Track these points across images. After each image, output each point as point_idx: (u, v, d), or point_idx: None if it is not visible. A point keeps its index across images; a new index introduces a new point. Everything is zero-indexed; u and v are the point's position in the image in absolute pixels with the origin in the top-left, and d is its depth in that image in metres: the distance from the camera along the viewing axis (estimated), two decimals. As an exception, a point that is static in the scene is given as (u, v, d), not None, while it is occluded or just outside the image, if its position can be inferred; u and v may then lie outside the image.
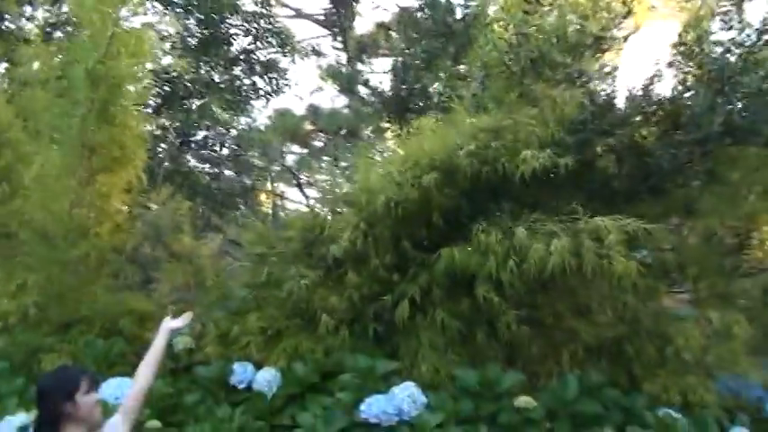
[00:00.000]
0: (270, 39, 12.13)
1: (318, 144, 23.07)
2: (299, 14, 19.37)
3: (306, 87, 23.18)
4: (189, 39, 11.25)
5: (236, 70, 12.44)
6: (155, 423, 4.63)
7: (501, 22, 6.12)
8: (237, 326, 5.50)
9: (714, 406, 5.23)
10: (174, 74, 9.70)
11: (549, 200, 5.72)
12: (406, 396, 4.74)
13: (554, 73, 5.55)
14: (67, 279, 5.41)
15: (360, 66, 18.68)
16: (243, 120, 13.30)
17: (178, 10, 10.83)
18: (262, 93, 12.52)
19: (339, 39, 19.98)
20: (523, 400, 4.83)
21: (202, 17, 11.18)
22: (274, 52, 12.54)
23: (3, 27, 9.81)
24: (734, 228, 6.25)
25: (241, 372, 5.29)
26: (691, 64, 6.03)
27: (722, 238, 6.25)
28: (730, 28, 5.87)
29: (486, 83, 5.92)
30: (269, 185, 17.65)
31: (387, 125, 10.58)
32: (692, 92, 5.85)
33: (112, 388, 4.73)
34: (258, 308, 5.63)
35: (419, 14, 10.25)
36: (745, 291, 6.13)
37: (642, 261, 5.00)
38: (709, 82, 5.79)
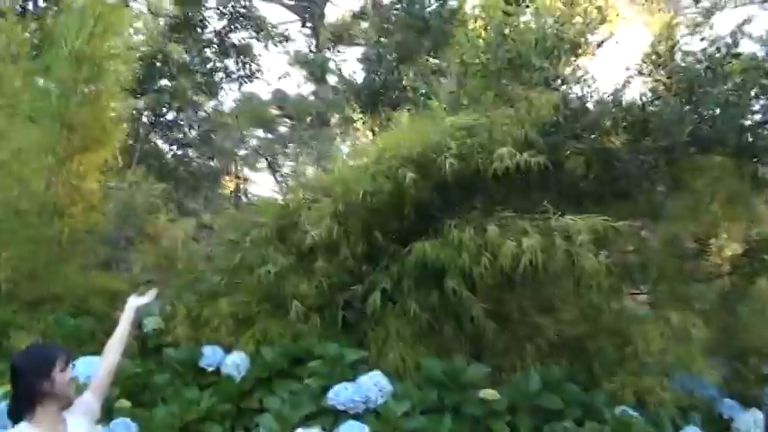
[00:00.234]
0: (244, 23, 12.08)
1: (283, 130, 23.05)
2: (268, -2, 19.17)
3: (273, 73, 23.05)
4: (161, 19, 11.19)
5: (209, 53, 12.37)
6: (124, 403, 4.64)
7: (479, 21, 6.20)
8: (208, 309, 5.54)
9: (669, 405, 5.39)
10: (146, 53, 9.64)
11: (519, 197, 5.86)
12: (372, 385, 4.82)
13: (530, 75, 5.68)
14: (40, 257, 5.38)
15: (329, 54, 18.70)
16: (212, 103, 13.27)
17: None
18: (234, 76, 12.47)
19: (309, 25, 19.95)
20: (488, 393, 4.92)
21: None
22: (249, 37, 12.47)
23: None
24: (694, 233, 6.45)
25: (210, 355, 5.33)
26: (661, 73, 6.21)
27: (683, 243, 6.44)
28: (702, 39, 6.05)
29: (463, 80, 6.01)
30: (233, 169, 17.61)
31: (358, 116, 10.63)
32: (661, 100, 6.02)
33: (82, 366, 4.72)
34: (229, 292, 5.67)
35: (395, 7, 10.30)
36: (703, 294, 6.32)
37: (606, 262, 5.13)
38: (678, 91, 5.97)
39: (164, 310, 5.47)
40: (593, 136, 5.83)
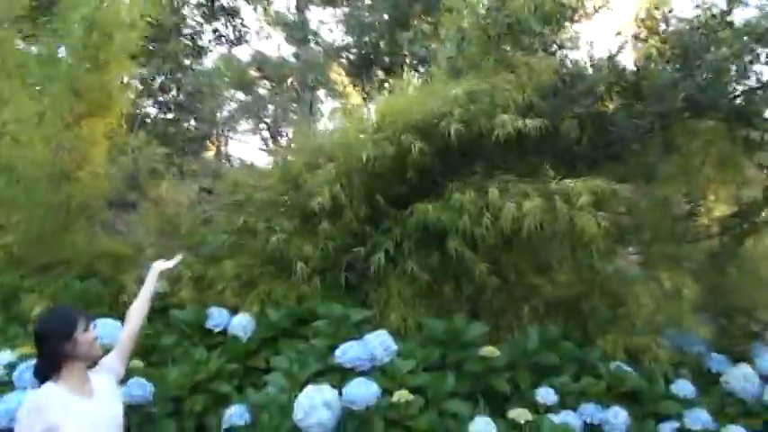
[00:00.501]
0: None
1: (263, 92, 22.97)
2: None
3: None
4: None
5: (197, 15, 12.30)
6: (137, 363, 4.75)
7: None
8: (212, 271, 5.64)
9: (662, 360, 5.59)
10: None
11: (516, 161, 5.97)
12: (378, 343, 4.95)
13: (530, 40, 5.76)
14: (47, 222, 5.44)
15: (309, 15, 18.57)
16: (198, 66, 13.21)
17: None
18: (224, 40, 12.41)
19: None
20: (488, 350, 5.08)
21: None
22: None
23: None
24: (686, 195, 6.61)
25: (217, 316, 5.43)
26: (655, 38, 6.31)
27: (674, 204, 6.61)
28: (696, 6, 6.15)
29: (461, 45, 6.08)
30: (216, 132, 17.58)
31: (347, 79, 10.66)
32: (655, 66, 6.13)
33: (99, 328, 4.83)
34: (232, 255, 5.76)
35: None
36: (693, 255, 6.49)
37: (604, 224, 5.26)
38: (672, 57, 6.08)
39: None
40: (589, 100, 5.92)
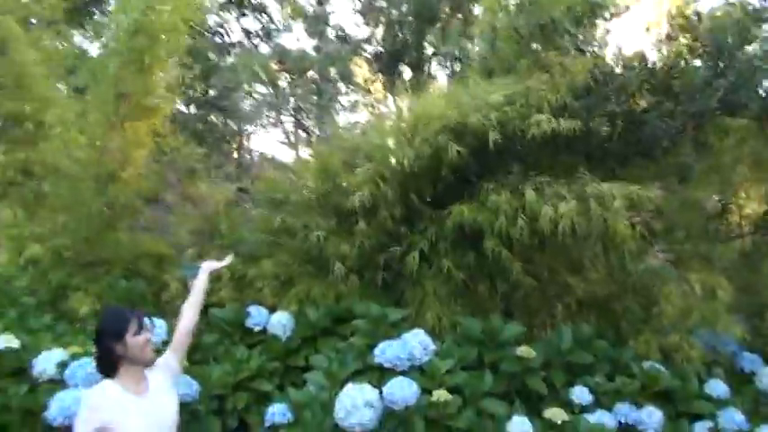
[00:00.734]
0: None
1: (283, 84, 23.01)
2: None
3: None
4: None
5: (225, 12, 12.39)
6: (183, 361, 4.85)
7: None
8: (252, 270, 5.74)
9: (695, 360, 5.63)
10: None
11: (549, 159, 6.02)
12: (417, 342, 5.02)
13: (563, 40, 5.80)
14: (93, 222, 5.56)
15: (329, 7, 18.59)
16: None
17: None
18: (253, 35, 12.49)
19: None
20: (524, 350, 5.13)
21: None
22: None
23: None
24: (718, 194, 6.63)
25: (256, 315, 5.53)
26: (687, 36, 6.32)
27: (707, 203, 6.62)
28: (729, 4, 6.15)
29: (494, 45, 6.12)
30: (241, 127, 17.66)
31: (374, 76, 10.71)
32: (688, 64, 6.15)
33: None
34: (271, 254, 5.86)
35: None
36: (724, 253, 6.51)
37: (634, 221, 5.30)
38: (704, 55, 6.10)
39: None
40: (621, 99, 5.95)
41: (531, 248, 5.71)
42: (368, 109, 13.59)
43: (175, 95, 6.00)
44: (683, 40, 6.34)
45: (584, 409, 5.06)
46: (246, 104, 19.91)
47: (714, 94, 5.65)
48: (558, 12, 5.80)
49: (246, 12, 12.30)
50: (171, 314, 5.41)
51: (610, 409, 5.13)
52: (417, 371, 4.94)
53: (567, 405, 5.03)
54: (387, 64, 10.10)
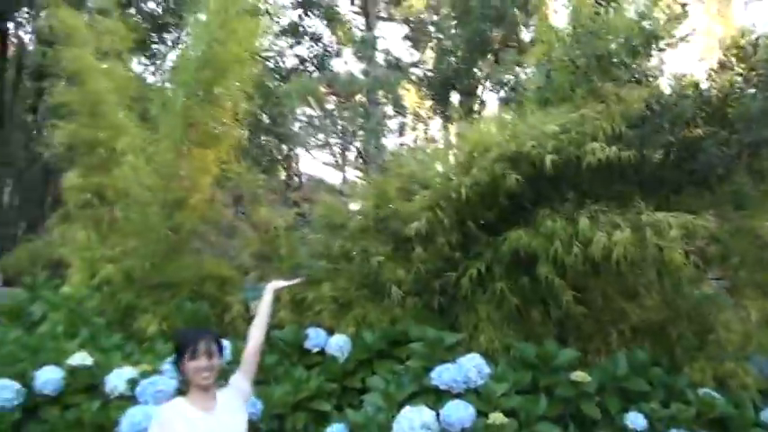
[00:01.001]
0: (316, 11, 12.35)
1: (331, 107, 23.31)
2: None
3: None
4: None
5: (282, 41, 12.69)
6: (245, 382, 5.02)
7: (567, 17, 6.38)
8: (311, 293, 5.90)
9: (750, 387, 5.62)
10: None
11: (603, 187, 6.08)
12: (472, 366, 5.12)
13: (619, 71, 5.89)
14: (160, 246, 5.79)
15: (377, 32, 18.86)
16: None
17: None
18: (308, 62, 12.76)
19: (357, 3, 20.14)
20: (579, 375, 5.19)
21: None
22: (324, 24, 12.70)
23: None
24: (773, 222, 6.60)
25: (314, 337, 5.68)
26: (742, 66, 6.36)
27: (762, 230, 6.60)
28: (785, 34, 6.18)
29: (550, 75, 6.23)
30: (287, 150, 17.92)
31: (427, 102, 10.88)
32: (743, 93, 6.18)
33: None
34: (329, 278, 6.02)
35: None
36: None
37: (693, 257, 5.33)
38: (760, 85, 6.12)
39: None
40: (676, 128, 6.00)
41: (586, 275, 5.76)
42: (417, 133, 13.77)
43: (241, 124, 6.20)
44: (737, 69, 6.38)
45: (639, 435, 5.09)
46: (296, 127, 20.27)
47: (768, 122, 5.68)
48: (615, 43, 5.90)
49: (301, 40, 12.60)
50: (233, 335, 5.61)
51: (665, 436, 5.16)
52: (473, 394, 5.04)
53: (622, 431, 5.08)
54: (437, 89, 10.25)
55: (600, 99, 5.83)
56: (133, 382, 4.85)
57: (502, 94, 8.35)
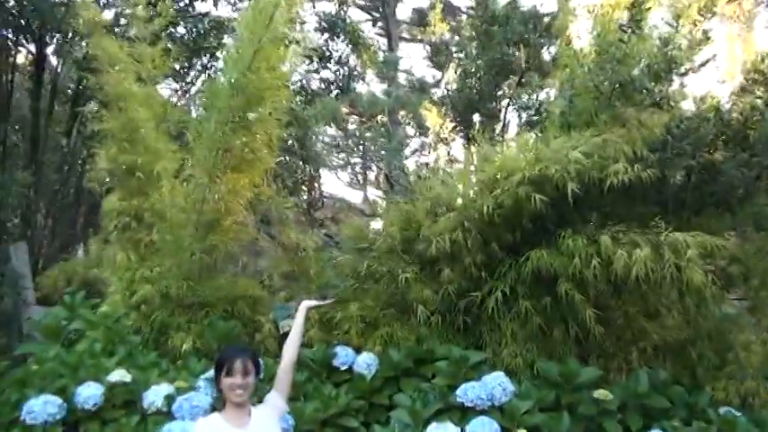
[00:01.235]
0: (342, 35, 12.58)
1: (352, 127, 23.46)
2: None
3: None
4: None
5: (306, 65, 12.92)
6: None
7: (590, 44, 6.52)
8: (339, 313, 6.06)
9: (771, 406, 5.70)
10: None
11: (624, 208, 6.21)
12: (497, 384, 5.27)
13: (641, 96, 6.03)
14: (193, 266, 5.99)
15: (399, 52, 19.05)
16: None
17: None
18: (332, 85, 12.96)
19: (380, 25, 20.41)
20: (601, 393, 5.31)
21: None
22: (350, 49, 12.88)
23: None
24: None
25: (343, 355, 5.84)
26: (763, 89, 6.49)
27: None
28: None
29: (574, 101, 6.37)
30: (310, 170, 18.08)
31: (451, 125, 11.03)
32: (763, 116, 6.31)
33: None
34: (356, 297, 6.19)
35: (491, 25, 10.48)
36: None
37: (712, 276, 5.43)
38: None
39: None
40: (697, 151, 6.13)
41: (607, 294, 5.89)
42: (438, 153, 13.92)
43: (274, 150, 6.41)
44: (758, 93, 6.51)
45: (660, 453, 5.19)
46: (319, 147, 20.44)
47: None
48: (638, 69, 6.04)
49: (328, 65, 12.87)
50: (264, 353, 5.79)
51: (686, 454, 5.25)
52: (497, 411, 5.17)
53: (643, 448, 5.18)
54: (459, 111, 10.43)
55: (622, 124, 5.97)
56: (170, 398, 5.02)
57: (524, 116, 8.51)
